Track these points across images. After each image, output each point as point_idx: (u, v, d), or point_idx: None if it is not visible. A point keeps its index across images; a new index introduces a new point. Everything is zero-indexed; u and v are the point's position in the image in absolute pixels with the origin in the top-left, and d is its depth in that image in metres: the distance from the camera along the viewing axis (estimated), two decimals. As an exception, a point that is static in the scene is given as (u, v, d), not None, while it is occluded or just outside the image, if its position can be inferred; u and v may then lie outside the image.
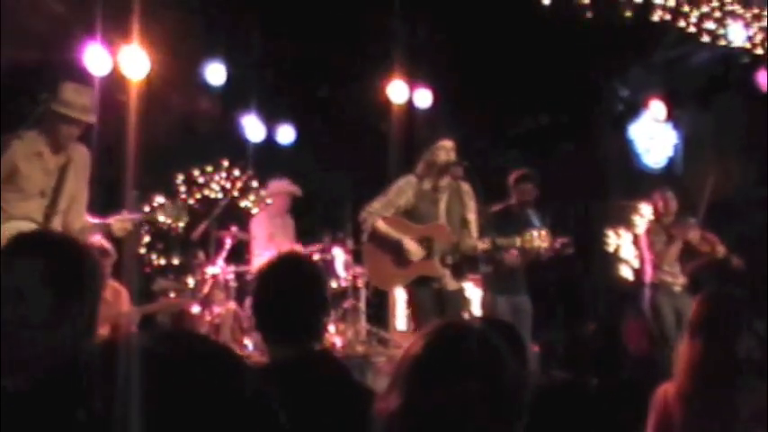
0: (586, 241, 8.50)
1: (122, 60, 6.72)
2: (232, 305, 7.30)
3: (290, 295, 2.56)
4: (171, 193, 8.16)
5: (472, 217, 5.75)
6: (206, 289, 7.43)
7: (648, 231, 7.43)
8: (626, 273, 9.70)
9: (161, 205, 4.90)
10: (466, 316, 6.17)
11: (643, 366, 7.34)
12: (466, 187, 5.79)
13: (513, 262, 6.28)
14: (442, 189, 5.71)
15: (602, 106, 10.29)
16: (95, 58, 6.55)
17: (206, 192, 9.10)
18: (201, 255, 7.69)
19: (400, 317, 8.02)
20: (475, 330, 1.63)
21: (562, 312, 8.87)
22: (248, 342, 7.00)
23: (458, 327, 1.68)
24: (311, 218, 8.35)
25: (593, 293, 9.55)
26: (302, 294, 2.57)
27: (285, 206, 7.99)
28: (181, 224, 5.02)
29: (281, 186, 8.00)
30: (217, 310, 7.26)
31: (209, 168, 9.31)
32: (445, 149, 5.68)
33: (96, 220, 4.87)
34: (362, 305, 7.73)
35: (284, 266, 2.70)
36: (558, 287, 8.72)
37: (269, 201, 8.21)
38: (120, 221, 4.73)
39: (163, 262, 8.81)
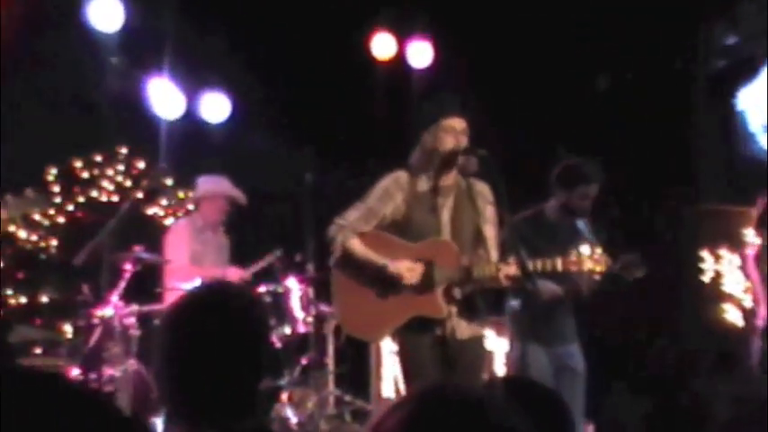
0: (669, 266, 8.53)
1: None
2: (133, 364, 7.33)
3: (209, 349, 2.57)
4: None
5: (490, 230, 5.77)
6: (93, 340, 7.44)
7: (759, 253, 7.43)
8: (732, 315, 9.74)
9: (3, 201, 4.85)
10: (484, 376, 6.20)
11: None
12: (481, 187, 5.82)
13: (554, 294, 6.32)
14: (445, 190, 5.75)
15: (694, 62, 10.33)
16: None
17: (93, 193, 9.13)
18: (86, 289, 7.70)
19: (387, 379, 8.05)
20: (483, 400, 1.63)
21: (633, 374, 8.90)
22: (158, 421, 7.02)
23: (456, 393, 1.67)
24: (254, 233, 8.36)
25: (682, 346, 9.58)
26: (229, 347, 2.59)
27: (218, 216, 7.97)
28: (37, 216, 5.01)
29: (216, 186, 7.99)
30: (110, 372, 7.27)
31: (99, 158, 9.35)
32: (453, 131, 5.71)
33: None
34: (330, 361, 7.75)
35: (203, 305, 2.71)
36: (627, 334, 8.74)
37: (191, 207, 8.23)
38: None
39: (25, 300, 8.82)
